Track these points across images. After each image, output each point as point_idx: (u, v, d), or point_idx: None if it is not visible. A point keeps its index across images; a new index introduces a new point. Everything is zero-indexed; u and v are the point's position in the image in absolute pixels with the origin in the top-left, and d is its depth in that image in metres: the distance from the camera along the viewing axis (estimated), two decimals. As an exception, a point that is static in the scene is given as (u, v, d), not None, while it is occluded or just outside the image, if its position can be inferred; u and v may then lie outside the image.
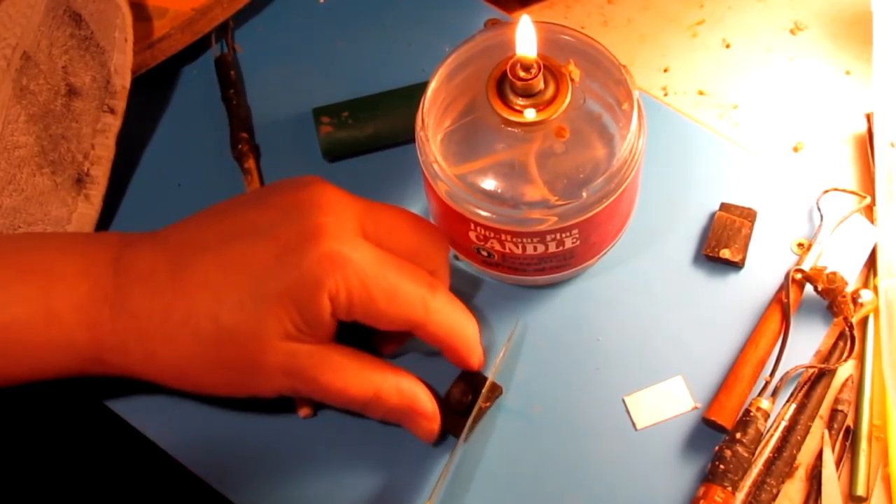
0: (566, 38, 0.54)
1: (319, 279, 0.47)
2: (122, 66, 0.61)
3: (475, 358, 0.54)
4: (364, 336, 0.53)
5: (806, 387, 0.55)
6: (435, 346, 0.52)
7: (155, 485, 0.59)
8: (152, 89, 0.65)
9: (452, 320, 0.52)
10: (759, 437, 0.53)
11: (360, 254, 0.48)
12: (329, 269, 0.47)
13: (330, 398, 0.51)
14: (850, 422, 0.55)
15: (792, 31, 0.66)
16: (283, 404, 0.55)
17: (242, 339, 0.48)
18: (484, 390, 0.54)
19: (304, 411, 0.56)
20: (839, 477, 0.53)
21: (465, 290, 0.59)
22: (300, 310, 0.48)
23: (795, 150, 0.63)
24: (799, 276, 0.56)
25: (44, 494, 0.59)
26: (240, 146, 0.62)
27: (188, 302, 0.48)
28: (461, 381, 0.55)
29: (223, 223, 0.50)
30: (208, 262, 0.48)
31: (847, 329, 0.55)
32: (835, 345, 0.56)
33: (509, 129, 0.52)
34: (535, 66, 0.50)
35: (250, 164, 0.62)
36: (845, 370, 0.56)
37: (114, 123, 0.61)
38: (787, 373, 0.55)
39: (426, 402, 0.53)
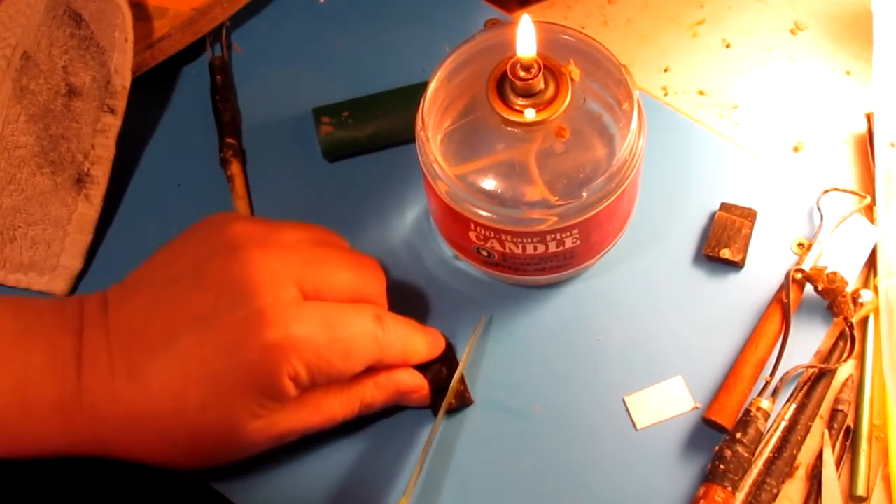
0: (566, 38, 0.54)
1: (274, 368, 0.47)
2: (122, 66, 0.61)
3: (437, 352, 0.55)
4: None
5: (806, 387, 0.55)
6: (393, 366, 0.53)
7: (154, 485, 0.59)
8: (152, 89, 0.65)
9: (402, 346, 0.53)
10: (760, 437, 0.53)
11: (307, 326, 0.48)
12: (281, 356, 0.47)
13: (324, 430, 0.52)
14: (850, 422, 0.55)
15: (792, 31, 0.66)
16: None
17: (215, 434, 0.49)
18: (457, 373, 0.55)
19: None
20: (839, 477, 0.53)
21: (465, 290, 0.59)
22: (264, 395, 0.48)
23: (795, 150, 0.63)
24: (799, 276, 0.56)
25: (44, 494, 0.59)
26: (222, 153, 0.62)
27: (151, 406, 0.48)
28: (438, 362, 0.55)
29: (165, 309, 0.48)
30: (161, 359, 0.48)
31: (847, 329, 0.55)
32: (835, 345, 0.56)
33: (509, 128, 0.52)
34: (535, 66, 0.50)
35: (233, 170, 0.62)
36: (845, 370, 0.56)
37: (114, 123, 0.61)
38: (788, 373, 0.55)
39: (406, 378, 0.54)
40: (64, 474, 0.58)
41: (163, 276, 0.50)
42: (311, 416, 0.51)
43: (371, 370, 0.52)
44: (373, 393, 0.53)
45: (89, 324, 0.49)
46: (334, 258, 0.51)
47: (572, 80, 0.52)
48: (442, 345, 0.56)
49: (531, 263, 0.55)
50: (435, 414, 0.55)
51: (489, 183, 0.52)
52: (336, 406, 0.52)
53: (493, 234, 0.53)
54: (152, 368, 0.48)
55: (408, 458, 0.55)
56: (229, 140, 0.63)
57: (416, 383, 0.54)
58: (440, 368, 0.55)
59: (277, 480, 0.55)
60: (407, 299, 0.58)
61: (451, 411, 0.55)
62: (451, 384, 0.55)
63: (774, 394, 0.54)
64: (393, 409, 0.55)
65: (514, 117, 0.51)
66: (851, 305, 0.55)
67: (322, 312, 0.49)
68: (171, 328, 0.48)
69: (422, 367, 0.55)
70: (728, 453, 0.52)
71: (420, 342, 0.54)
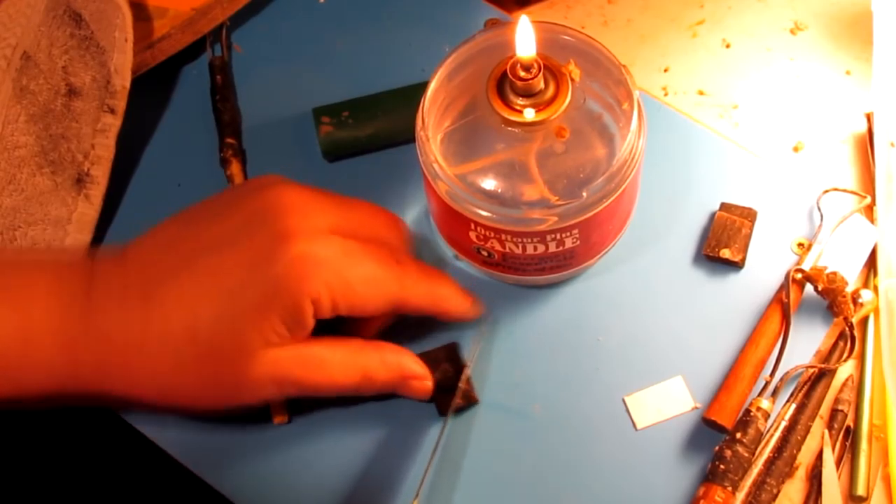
0: (566, 38, 0.54)
1: (298, 284, 0.47)
2: (122, 66, 0.61)
3: (464, 307, 0.54)
4: (340, 323, 0.53)
5: (806, 387, 0.55)
6: (423, 314, 0.53)
7: (155, 485, 0.59)
8: (152, 89, 0.65)
9: (427, 285, 0.52)
10: (760, 436, 0.53)
11: (332, 249, 0.48)
12: (306, 272, 0.47)
13: (321, 393, 0.51)
14: (850, 422, 0.55)
15: (792, 31, 0.66)
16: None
17: (224, 354, 0.48)
18: (463, 376, 0.55)
19: (279, 418, 0.55)
20: (839, 477, 0.53)
21: (465, 290, 0.59)
22: (282, 317, 0.47)
23: (795, 150, 0.63)
24: (799, 276, 0.56)
25: (44, 494, 0.59)
26: (222, 153, 0.62)
27: (163, 320, 0.47)
28: (445, 362, 0.55)
29: (190, 235, 0.49)
30: (180, 277, 0.47)
31: (847, 329, 0.55)
32: (835, 345, 0.56)
33: (509, 128, 0.52)
34: (535, 66, 0.50)
35: (233, 170, 0.62)
36: (845, 370, 0.56)
37: (114, 123, 0.61)
38: (788, 373, 0.55)
39: (413, 365, 0.53)
40: (65, 475, 0.59)
41: (188, 216, 0.50)
42: (314, 371, 0.50)
43: (379, 344, 0.52)
44: (377, 368, 0.52)
45: (103, 258, 0.49)
46: (361, 205, 0.52)
47: (572, 80, 0.52)
48: (476, 309, 0.55)
49: (531, 263, 0.55)
50: (442, 413, 0.55)
51: (489, 183, 0.52)
52: (338, 368, 0.51)
53: (493, 234, 0.53)
54: (169, 286, 0.47)
55: (411, 458, 0.55)
56: (229, 140, 0.63)
57: (421, 371, 0.54)
58: (447, 368, 0.55)
59: (279, 481, 0.55)
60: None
61: (458, 410, 0.55)
62: (459, 384, 0.55)
63: (774, 394, 0.54)
64: (397, 407, 0.55)
65: (514, 117, 0.51)
66: (851, 305, 0.55)
67: (346, 245, 0.49)
68: (193, 252, 0.48)
69: (429, 366, 0.55)
70: (728, 453, 0.52)
71: (448, 286, 0.53)
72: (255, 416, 0.55)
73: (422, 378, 0.54)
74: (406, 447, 0.55)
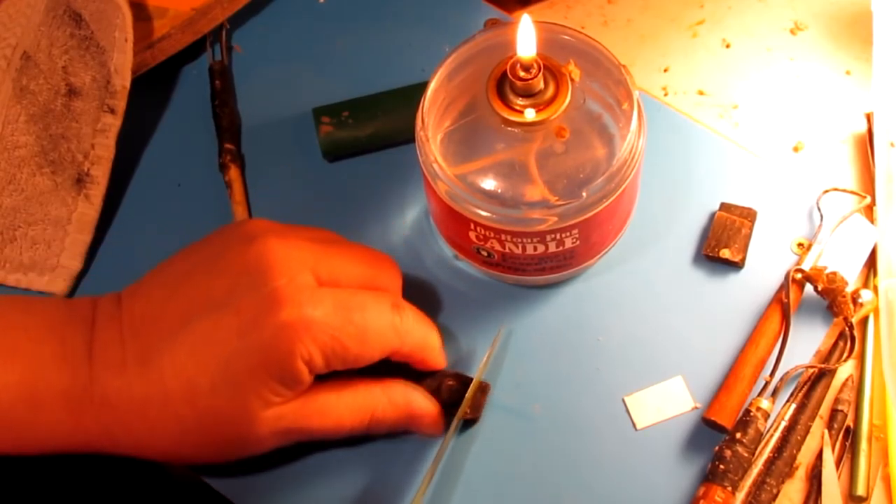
0: (566, 38, 0.54)
1: (288, 349, 0.47)
2: (122, 66, 0.61)
3: (441, 363, 0.54)
4: None
5: (806, 387, 0.55)
6: (406, 361, 0.53)
7: (155, 485, 0.59)
8: (152, 89, 0.65)
9: (421, 335, 0.52)
10: (759, 437, 0.53)
11: (322, 308, 0.48)
12: (295, 337, 0.47)
13: (330, 437, 0.52)
14: (850, 422, 0.55)
15: (792, 31, 0.66)
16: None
17: (225, 419, 0.48)
18: (471, 388, 0.54)
19: None
20: (839, 477, 0.53)
21: (465, 290, 0.59)
22: (277, 380, 0.48)
23: (795, 150, 0.63)
24: (799, 276, 0.56)
25: (44, 494, 0.59)
26: (221, 158, 0.62)
27: (163, 389, 0.48)
28: (451, 379, 0.55)
29: (180, 297, 0.49)
30: (174, 344, 0.48)
31: (847, 329, 0.55)
32: (835, 345, 0.56)
33: (509, 128, 0.52)
34: (535, 66, 0.50)
35: (231, 175, 0.62)
36: (845, 370, 0.56)
37: (114, 123, 0.61)
38: (787, 373, 0.55)
39: (422, 402, 0.53)
40: (64, 476, 0.58)
41: (180, 270, 0.50)
42: (320, 419, 0.50)
43: (386, 383, 0.52)
44: (384, 408, 0.52)
45: (101, 318, 0.49)
46: (350, 250, 0.52)
47: (572, 80, 0.52)
48: (444, 362, 0.55)
49: (531, 263, 0.55)
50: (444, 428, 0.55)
51: (489, 183, 0.52)
52: (345, 413, 0.51)
53: (493, 234, 0.53)
54: (165, 353, 0.48)
55: (412, 460, 0.55)
56: (228, 145, 0.63)
57: (431, 409, 0.53)
58: (452, 384, 0.55)
59: (280, 482, 0.55)
60: (407, 300, 0.58)
61: (462, 427, 0.55)
62: (467, 395, 0.54)
63: (774, 394, 0.54)
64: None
65: (514, 117, 0.51)
66: (851, 305, 0.55)
67: (337, 296, 0.49)
68: (187, 314, 0.48)
69: (435, 381, 0.55)
70: (728, 453, 0.52)
71: (436, 338, 0.54)
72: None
73: (431, 415, 0.53)
74: (408, 452, 0.55)
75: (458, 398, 0.54)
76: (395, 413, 0.52)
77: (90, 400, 0.48)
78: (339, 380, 0.51)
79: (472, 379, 0.55)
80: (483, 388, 0.55)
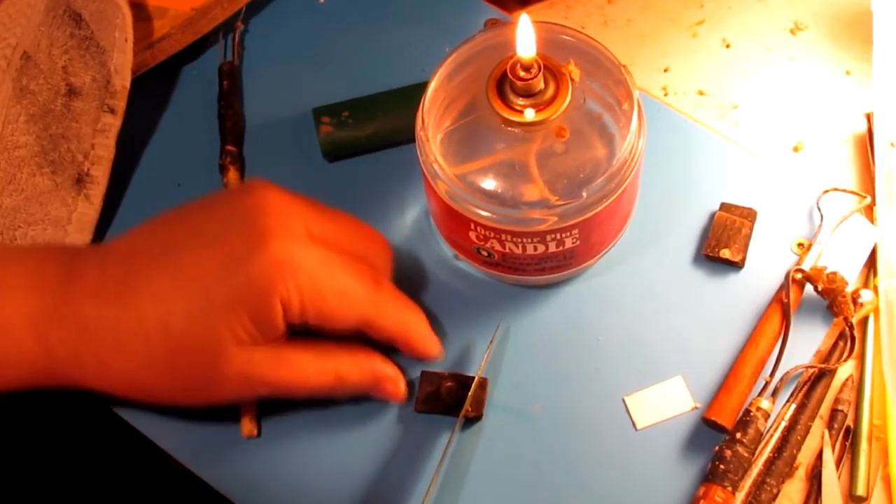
0: (566, 38, 0.54)
1: (270, 284, 0.47)
2: (122, 66, 0.61)
3: (431, 347, 0.54)
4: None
5: (806, 387, 0.55)
6: (387, 342, 0.53)
7: (155, 485, 0.59)
8: (152, 89, 0.65)
9: (401, 313, 0.52)
10: (759, 437, 0.53)
11: (309, 255, 0.48)
12: (279, 274, 0.47)
13: (293, 393, 0.51)
14: (850, 422, 0.55)
15: (792, 31, 0.66)
16: (279, 404, 0.55)
17: (194, 348, 0.48)
18: (473, 387, 0.54)
19: (248, 430, 0.55)
20: (839, 477, 0.53)
21: (465, 290, 0.59)
22: (252, 316, 0.47)
23: (795, 150, 0.63)
24: (799, 276, 0.56)
25: (45, 494, 0.59)
26: (221, 159, 0.62)
27: (138, 313, 0.47)
28: (449, 380, 0.55)
29: (170, 233, 0.49)
30: (156, 272, 0.48)
31: (847, 329, 0.55)
32: (835, 345, 0.56)
33: (509, 128, 0.52)
34: (535, 65, 0.50)
35: (229, 177, 0.62)
36: (845, 370, 0.56)
37: (114, 123, 0.61)
38: (787, 373, 0.55)
39: (385, 368, 0.53)
40: (68, 473, 0.59)
41: (174, 212, 0.50)
42: (286, 371, 0.50)
43: (352, 347, 0.52)
44: (349, 369, 0.52)
45: (84, 250, 0.50)
46: (345, 220, 0.52)
47: (572, 80, 0.52)
48: (440, 351, 0.55)
49: (531, 263, 0.55)
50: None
51: (489, 183, 0.52)
52: (311, 368, 0.51)
53: (493, 234, 0.53)
54: (144, 279, 0.47)
55: (414, 463, 0.55)
56: (229, 147, 0.63)
57: (393, 374, 0.54)
58: (451, 385, 0.55)
59: (282, 483, 0.55)
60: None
61: (465, 423, 0.55)
62: (470, 393, 0.54)
63: (774, 394, 0.54)
64: (409, 420, 0.55)
65: (514, 117, 0.51)
66: (851, 305, 0.55)
67: (324, 254, 0.49)
68: (174, 246, 0.48)
69: (433, 382, 0.55)
70: (728, 453, 0.52)
71: (420, 320, 0.53)
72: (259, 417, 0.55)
73: (394, 380, 0.54)
74: (411, 452, 0.55)
75: (457, 398, 0.54)
76: (360, 375, 0.53)
77: (60, 321, 0.48)
78: (308, 339, 0.51)
79: (470, 378, 0.55)
80: (482, 384, 0.55)
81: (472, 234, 0.54)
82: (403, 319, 0.53)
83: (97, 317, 0.48)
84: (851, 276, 0.57)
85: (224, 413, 0.55)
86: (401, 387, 0.54)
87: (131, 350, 0.48)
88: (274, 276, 0.47)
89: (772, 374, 0.55)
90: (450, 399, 0.55)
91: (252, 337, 0.48)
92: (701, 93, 0.65)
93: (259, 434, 0.55)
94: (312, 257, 0.48)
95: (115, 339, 0.48)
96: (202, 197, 0.51)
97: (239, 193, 0.50)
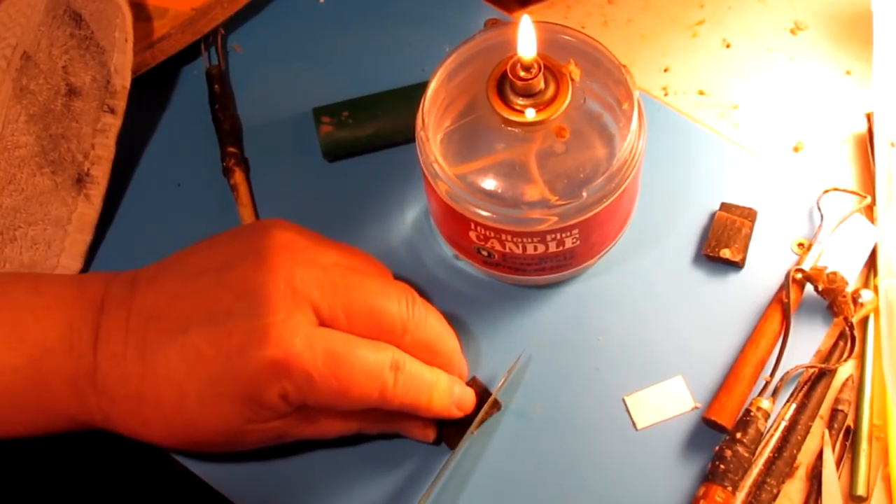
0: (566, 38, 0.54)
1: (265, 384, 0.47)
2: (122, 66, 0.61)
3: (450, 411, 0.53)
4: None
5: (806, 387, 0.55)
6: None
7: (155, 485, 0.59)
8: (152, 89, 0.65)
9: (417, 392, 0.51)
10: (760, 436, 0.53)
11: (310, 353, 0.47)
12: (273, 375, 0.47)
13: (322, 438, 0.53)
14: (850, 422, 0.55)
15: (792, 31, 0.66)
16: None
17: (211, 430, 0.49)
18: (485, 406, 0.54)
19: None
20: (839, 477, 0.53)
21: (465, 290, 0.59)
22: (256, 406, 0.48)
23: (795, 150, 0.63)
24: (799, 275, 0.56)
25: (44, 495, 0.59)
26: (225, 162, 0.62)
27: (155, 393, 0.49)
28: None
29: (187, 299, 0.49)
30: (171, 352, 0.48)
31: (847, 329, 0.55)
32: (835, 345, 0.56)
33: (509, 128, 0.52)
34: (535, 65, 0.50)
35: (236, 179, 0.62)
36: (845, 370, 0.56)
37: (114, 123, 0.61)
38: (788, 373, 0.55)
39: (408, 421, 0.54)
40: (68, 473, 0.58)
41: (194, 266, 0.50)
42: (307, 427, 0.52)
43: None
44: (371, 426, 0.53)
45: (111, 302, 0.50)
46: (366, 286, 0.50)
47: (572, 80, 0.52)
48: (467, 404, 0.54)
49: (531, 263, 0.55)
50: (450, 447, 0.55)
51: (489, 183, 0.52)
52: (332, 425, 0.52)
53: (493, 234, 0.53)
54: (161, 355, 0.48)
55: (417, 472, 0.55)
56: (231, 149, 0.63)
57: (419, 424, 0.54)
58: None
59: (281, 481, 0.55)
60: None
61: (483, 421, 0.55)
62: (479, 415, 0.54)
63: (774, 394, 0.54)
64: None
65: (514, 117, 0.51)
66: (851, 305, 0.55)
67: (329, 343, 0.48)
68: (187, 319, 0.49)
69: None
70: (728, 453, 0.52)
71: (441, 395, 0.52)
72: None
73: (421, 427, 0.54)
74: (413, 462, 0.55)
75: (470, 414, 0.54)
76: (383, 427, 0.54)
77: (93, 386, 0.49)
78: None
79: (488, 393, 0.55)
80: (496, 405, 0.55)
81: (472, 234, 0.54)
82: (416, 403, 0.51)
83: (122, 391, 0.49)
84: (851, 276, 0.57)
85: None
86: (429, 431, 0.54)
87: (154, 421, 0.50)
88: (268, 377, 0.47)
89: (772, 374, 0.55)
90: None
91: (262, 417, 0.49)
92: (701, 93, 0.65)
93: None
94: (313, 355, 0.47)
95: (139, 413, 0.49)
96: (229, 236, 0.51)
97: (254, 258, 0.49)
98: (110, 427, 0.51)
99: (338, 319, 0.49)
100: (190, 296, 0.49)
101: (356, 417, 0.53)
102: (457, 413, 0.53)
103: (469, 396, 0.54)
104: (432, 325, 0.52)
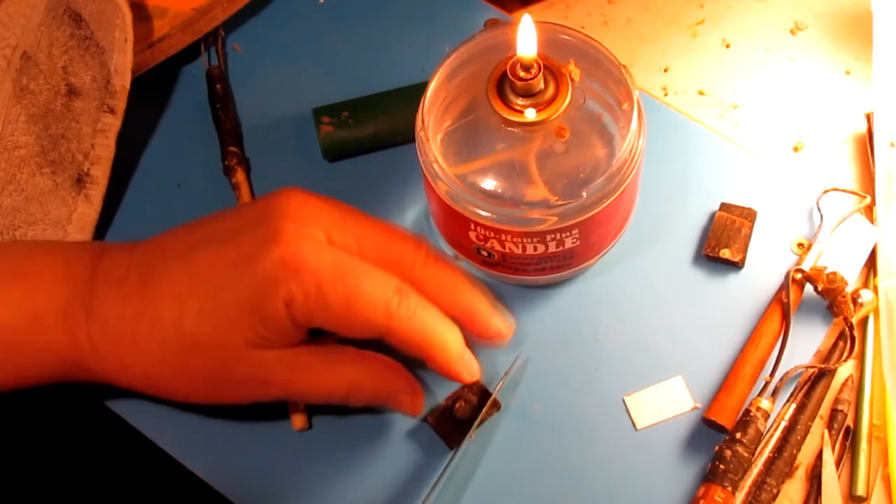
0: (566, 38, 0.54)
1: (273, 285, 0.46)
2: (122, 66, 0.61)
3: (459, 367, 0.51)
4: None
5: (806, 387, 0.55)
6: (409, 354, 0.50)
7: (155, 485, 0.59)
8: (152, 89, 0.65)
9: (424, 326, 0.49)
10: (759, 436, 0.53)
11: (319, 258, 0.47)
12: (283, 275, 0.46)
13: (307, 399, 0.52)
14: (850, 422, 0.55)
15: (792, 31, 0.66)
16: (281, 408, 0.55)
17: (207, 348, 0.48)
18: (485, 406, 0.54)
19: (297, 423, 0.55)
20: (839, 477, 0.53)
21: (465, 290, 0.59)
22: (259, 318, 0.47)
23: (795, 150, 0.63)
24: (799, 276, 0.56)
25: (45, 495, 0.59)
26: (227, 161, 0.62)
27: (155, 310, 0.48)
28: (465, 393, 0.55)
29: (195, 232, 0.50)
30: (176, 270, 0.48)
31: (847, 329, 0.55)
32: (835, 345, 0.56)
33: (509, 128, 0.52)
34: (535, 66, 0.50)
35: (238, 178, 0.62)
36: (845, 370, 0.56)
37: (114, 123, 0.61)
38: (787, 373, 0.55)
39: (402, 380, 0.53)
40: (68, 473, 0.59)
41: (206, 216, 0.51)
42: (299, 376, 0.50)
43: (369, 356, 0.51)
44: (363, 378, 0.51)
45: (112, 248, 0.51)
46: (378, 224, 0.51)
47: (572, 80, 0.52)
48: (474, 372, 0.52)
49: (531, 263, 0.55)
50: (450, 447, 0.55)
51: (489, 183, 0.52)
52: (324, 374, 0.50)
53: (493, 234, 0.53)
54: (164, 278, 0.48)
55: (417, 468, 0.55)
56: (232, 149, 0.63)
57: (411, 387, 0.53)
58: (464, 402, 0.55)
59: (281, 480, 0.55)
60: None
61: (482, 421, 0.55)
62: (481, 415, 0.54)
63: (774, 394, 0.54)
64: (415, 433, 0.55)
65: (514, 117, 0.51)
66: (851, 305, 0.55)
67: (340, 257, 0.48)
68: (191, 246, 0.49)
69: (451, 399, 0.55)
70: (728, 453, 0.52)
71: (449, 336, 0.50)
72: (257, 416, 0.55)
73: (411, 393, 0.53)
74: (413, 463, 0.55)
75: (469, 414, 0.54)
76: (374, 385, 0.52)
77: (86, 313, 0.48)
78: (326, 344, 0.51)
79: (488, 394, 0.55)
80: (496, 405, 0.55)
81: (472, 234, 0.54)
82: (423, 335, 0.49)
83: (119, 314, 0.48)
84: (851, 276, 0.57)
85: (225, 411, 0.55)
86: (418, 402, 0.53)
87: (147, 348, 0.48)
88: (277, 277, 0.46)
89: (772, 374, 0.55)
90: (464, 415, 0.54)
91: (263, 338, 0.48)
92: (701, 93, 0.65)
93: (310, 426, 0.55)
94: (322, 261, 0.47)
95: (133, 337, 0.48)
96: (242, 202, 0.52)
97: (264, 198, 0.50)
98: (97, 363, 0.49)
99: (349, 247, 0.49)
100: (196, 229, 0.50)
101: (349, 371, 0.51)
102: (466, 377, 0.51)
103: (476, 367, 0.52)
104: (446, 268, 0.51)
